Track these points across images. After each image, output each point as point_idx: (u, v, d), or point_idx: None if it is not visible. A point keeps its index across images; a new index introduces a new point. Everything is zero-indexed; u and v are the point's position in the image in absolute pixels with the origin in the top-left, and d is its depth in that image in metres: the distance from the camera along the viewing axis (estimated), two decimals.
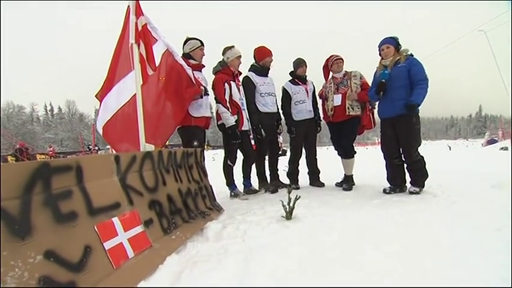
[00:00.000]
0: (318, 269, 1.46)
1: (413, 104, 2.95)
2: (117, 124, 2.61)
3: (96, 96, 2.71)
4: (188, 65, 2.91)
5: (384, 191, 3.27)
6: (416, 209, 2.52)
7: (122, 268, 1.39)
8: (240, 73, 3.68)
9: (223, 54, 3.57)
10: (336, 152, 3.98)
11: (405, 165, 3.25)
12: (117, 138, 2.69)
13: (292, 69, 4.03)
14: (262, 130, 3.68)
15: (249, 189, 3.75)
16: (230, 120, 3.35)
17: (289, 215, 2.35)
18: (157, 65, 2.58)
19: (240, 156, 3.68)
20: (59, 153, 22.70)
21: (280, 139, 5.38)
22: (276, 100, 3.97)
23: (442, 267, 1.40)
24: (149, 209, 1.79)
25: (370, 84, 3.52)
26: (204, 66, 3.33)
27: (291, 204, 2.37)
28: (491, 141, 16.66)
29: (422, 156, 3.18)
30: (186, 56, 3.17)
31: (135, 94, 2.37)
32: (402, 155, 3.24)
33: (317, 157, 4.16)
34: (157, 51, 2.65)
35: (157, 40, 2.70)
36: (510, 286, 1.20)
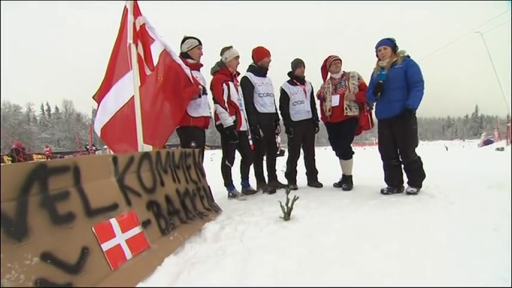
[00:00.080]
0: (316, 270, 1.46)
1: (410, 108, 2.99)
2: (116, 126, 2.58)
3: (93, 97, 2.67)
4: (186, 64, 2.91)
5: (382, 191, 3.28)
6: (414, 209, 2.52)
7: (120, 269, 1.38)
8: (238, 73, 3.68)
9: (221, 54, 3.56)
10: (334, 152, 3.98)
11: (402, 166, 3.27)
12: (115, 139, 2.67)
13: (291, 70, 4.04)
14: (260, 130, 3.68)
15: (247, 190, 3.75)
16: (228, 120, 3.34)
17: (287, 216, 2.35)
18: (155, 64, 2.57)
19: (238, 156, 3.67)
20: (56, 153, 22.52)
21: (278, 139, 5.38)
22: (274, 100, 3.98)
23: (442, 268, 1.41)
24: (147, 209, 1.78)
25: (368, 85, 3.54)
26: (202, 65, 3.32)
27: (289, 205, 2.36)
28: (487, 142, 16.72)
29: (419, 157, 3.20)
30: (184, 55, 3.16)
31: (134, 95, 2.35)
32: (399, 156, 3.26)
33: (315, 157, 4.17)
34: (155, 51, 2.63)
35: (154, 40, 2.68)
36: (510, 286, 1.21)
